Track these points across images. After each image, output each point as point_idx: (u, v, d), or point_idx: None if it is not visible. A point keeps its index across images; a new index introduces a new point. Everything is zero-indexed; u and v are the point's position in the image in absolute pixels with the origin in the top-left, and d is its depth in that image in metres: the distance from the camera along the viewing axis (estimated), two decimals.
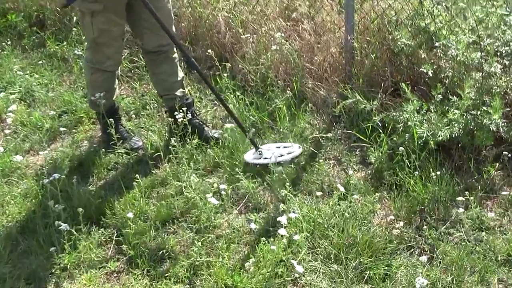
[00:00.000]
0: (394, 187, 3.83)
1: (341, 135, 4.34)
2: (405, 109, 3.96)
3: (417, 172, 3.71)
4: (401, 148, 3.79)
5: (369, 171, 3.98)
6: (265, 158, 3.99)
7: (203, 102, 4.85)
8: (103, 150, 4.22)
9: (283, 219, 3.13)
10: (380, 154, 3.96)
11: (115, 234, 3.60)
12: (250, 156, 4.06)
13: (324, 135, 4.33)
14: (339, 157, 4.16)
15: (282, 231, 3.25)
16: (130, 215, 3.42)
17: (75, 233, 3.37)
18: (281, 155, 4.00)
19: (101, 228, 3.63)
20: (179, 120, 4.02)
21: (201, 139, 4.23)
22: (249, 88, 4.85)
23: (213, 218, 3.60)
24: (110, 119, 4.07)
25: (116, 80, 4.38)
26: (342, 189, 3.66)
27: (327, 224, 3.49)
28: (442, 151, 3.91)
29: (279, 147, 4.08)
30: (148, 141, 4.38)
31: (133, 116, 4.75)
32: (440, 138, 3.70)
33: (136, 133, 4.53)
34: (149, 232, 3.52)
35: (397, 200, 3.68)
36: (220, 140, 4.23)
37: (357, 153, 4.19)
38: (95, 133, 4.68)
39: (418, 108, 3.92)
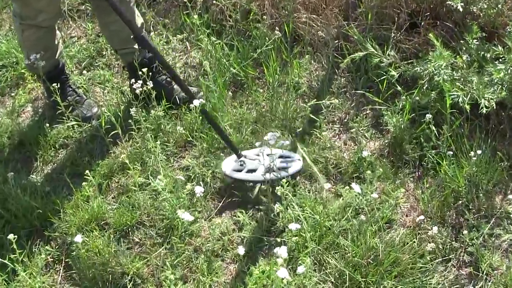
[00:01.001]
0: (418, 164, 2.99)
1: (346, 87, 3.42)
2: (430, 60, 3.04)
3: (449, 150, 2.88)
4: (428, 116, 2.93)
5: (386, 141, 3.11)
6: (249, 170, 3.00)
7: (171, 45, 3.84)
8: (47, 125, 3.31)
9: (282, 252, 2.29)
10: (399, 119, 3.08)
11: (65, 250, 2.80)
12: (229, 165, 3.03)
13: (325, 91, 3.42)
14: (345, 120, 3.28)
15: (281, 252, 2.41)
16: (79, 239, 2.59)
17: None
18: (271, 169, 2.82)
19: (47, 244, 2.83)
20: (138, 85, 3.08)
21: (170, 102, 3.32)
22: (226, 28, 3.82)
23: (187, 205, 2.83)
24: (54, 84, 3.14)
25: (58, 33, 3.39)
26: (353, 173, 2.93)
27: (337, 228, 2.69)
28: (480, 117, 3.03)
29: (270, 155, 2.84)
30: (105, 106, 3.46)
31: (85, 71, 3.79)
32: (484, 109, 2.80)
33: (90, 94, 3.59)
34: (108, 249, 2.72)
35: (425, 189, 2.86)
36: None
37: (367, 112, 3.30)
38: (40, 94, 3.74)
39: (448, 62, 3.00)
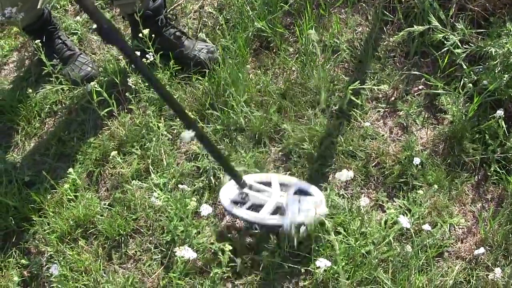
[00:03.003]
0: (479, 166, 2.41)
1: (395, 50, 2.75)
2: (504, 32, 2.37)
3: None
4: (499, 112, 2.31)
5: (441, 133, 2.50)
6: (251, 208, 2.30)
7: None
8: (29, 91, 2.72)
9: None
10: (462, 109, 2.45)
11: (45, 265, 2.34)
12: (227, 195, 2.32)
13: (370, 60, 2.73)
14: (392, 99, 2.64)
15: None
16: (55, 271, 2.11)
17: None
18: (283, 212, 2.24)
19: (24, 255, 2.37)
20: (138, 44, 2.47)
21: (179, 61, 2.70)
22: None
23: (193, 234, 2.31)
24: (38, 40, 2.54)
25: None
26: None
27: (375, 257, 2.18)
28: None
29: (284, 188, 2.27)
30: (103, 62, 2.84)
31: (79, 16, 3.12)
32: None
33: (85, 44, 2.96)
34: (96, 265, 2.26)
35: (487, 206, 2.31)
36: (209, 63, 2.69)
37: (419, 88, 2.65)
38: (28, 41, 3.11)
39: None
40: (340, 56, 2.69)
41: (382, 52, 2.71)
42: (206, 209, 2.12)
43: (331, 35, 2.66)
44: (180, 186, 2.35)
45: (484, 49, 2.38)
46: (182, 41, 2.72)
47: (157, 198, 2.23)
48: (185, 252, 2.01)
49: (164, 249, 2.34)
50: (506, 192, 2.35)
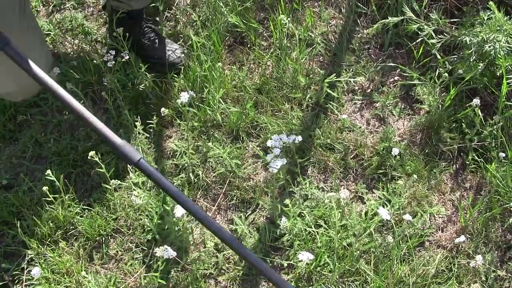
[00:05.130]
0: (457, 155, 2.43)
1: (369, 43, 2.76)
2: (478, 21, 2.40)
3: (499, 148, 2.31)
4: (475, 101, 2.33)
5: (418, 122, 2.52)
6: None
7: None
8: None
9: None
10: (438, 99, 2.47)
11: (26, 268, 2.31)
12: None
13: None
14: (368, 91, 2.65)
15: None
16: (37, 274, 2.09)
17: None
18: None
19: (4, 259, 2.34)
20: (110, 56, 2.45)
21: (152, 63, 2.68)
22: None
23: (175, 231, 2.30)
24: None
25: None
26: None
27: (357, 249, 2.19)
28: None
29: None
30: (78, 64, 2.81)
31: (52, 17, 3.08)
32: None
33: (58, 43, 2.93)
34: (77, 266, 2.24)
35: (466, 194, 2.33)
36: (181, 65, 2.68)
37: (395, 79, 2.66)
38: None
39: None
40: (314, 50, 2.69)
41: (357, 44, 2.71)
42: (180, 209, 2.09)
43: (305, 28, 2.66)
44: None
45: (459, 39, 2.40)
46: (156, 42, 2.69)
47: (137, 196, 2.21)
48: (165, 252, 1.99)
49: (145, 248, 2.33)
50: (484, 180, 2.37)
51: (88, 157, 2.21)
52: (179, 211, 2.06)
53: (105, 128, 1.58)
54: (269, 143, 2.14)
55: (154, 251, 2.02)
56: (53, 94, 1.58)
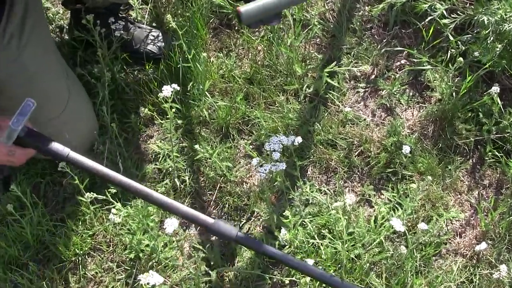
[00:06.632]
0: (476, 155, 2.17)
1: (372, 21, 2.46)
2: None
3: None
4: (494, 88, 2.06)
5: (429, 112, 2.24)
6: None
7: None
8: None
9: None
10: (451, 85, 2.19)
11: None
12: None
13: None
14: (372, 77, 2.37)
15: None
16: None
17: None
18: None
19: None
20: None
21: (129, 55, 2.38)
22: None
23: (160, 247, 2.03)
24: None
25: None
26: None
27: (366, 261, 1.94)
28: None
29: None
30: None
31: None
32: None
33: None
34: None
35: (486, 193, 2.08)
36: (163, 53, 2.37)
37: (402, 63, 2.38)
38: None
39: None
40: (311, 32, 2.40)
41: (358, 23, 2.42)
42: (171, 225, 1.82)
43: (299, 8, 2.36)
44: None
45: (475, 18, 2.11)
46: (132, 31, 2.38)
47: (115, 214, 1.93)
48: (150, 279, 1.73)
49: (128, 267, 2.06)
50: (504, 177, 2.12)
51: (59, 167, 1.92)
52: (169, 227, 1.79)
53: None
54: (267, 146, 1.87)
55: (138, 278, 1.76)
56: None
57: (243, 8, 1.55)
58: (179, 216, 1.67)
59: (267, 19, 1.60)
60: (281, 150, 1.86)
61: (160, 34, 2.39)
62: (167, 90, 1.91)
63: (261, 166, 1.85)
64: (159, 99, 1.93)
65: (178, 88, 1.92)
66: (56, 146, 1.60)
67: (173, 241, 2.04)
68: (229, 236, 1.60)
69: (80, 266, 2.07)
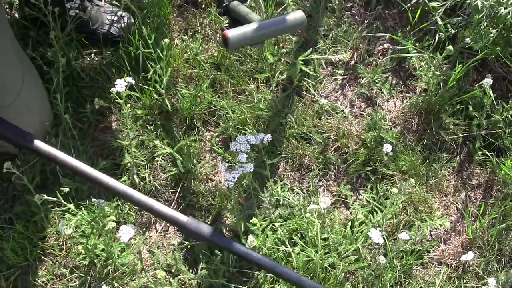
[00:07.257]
0: (464, 152, 1.99)
1: (352, 4, 2.25)
2: None
3: None
4: (487, 80, 1.87)
5: (413, 103, 2.05)
6: None
7: None
8: None
9: None
10: (438, 74, 1.99)
11: None
12: None
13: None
14: (351, 63, 2.16)
15: None
16: None
17: None
18: None
19: None
20: None
21: (85, 36, 2.16)
22: None
23: (117, 252, 1.86)
24: None
25: None
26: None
27: (341, 270, 1.78)
28: None
29: None
30: None
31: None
32: None
33: None
34: None
35: (473, 196, 1.91)
36: (119, 36, 2.16)
37: (384, 48, 2.17)
38: None
39: None
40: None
41: (337, 2, 2.20)
42: (126, 233, 1.63)
43: None
44: (94, 200, 1.85)
45: (467, 1, 1.90)
46: (89, 10, 2.16)
47: (66, 225, 1.74)
48: None
49: (82, 274, 1.88)
50: (495, 177, 1.94)
51: (4, 170, 1.73)
52: (125, 235, 1.61)
53: None
54: (232, 146, 1.67)
55: None
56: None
57: (231, 33, 1.44)
58: (145, 210, 1.56)
59: (251, 44, 1.51)
60: (249, 150, 1.67)
61: (122, 14, 2.17)
62: (121, 85, 1.70)
63: (229, 171, 1.66)
64: (112, 94, 1.72)
65: (133, 82, 1.71)
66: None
67: (131, 245, 1.86)
68: (202, 236, 1.46)
69: (30, 271, 1.89)
